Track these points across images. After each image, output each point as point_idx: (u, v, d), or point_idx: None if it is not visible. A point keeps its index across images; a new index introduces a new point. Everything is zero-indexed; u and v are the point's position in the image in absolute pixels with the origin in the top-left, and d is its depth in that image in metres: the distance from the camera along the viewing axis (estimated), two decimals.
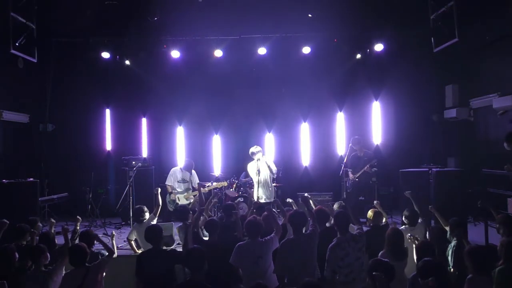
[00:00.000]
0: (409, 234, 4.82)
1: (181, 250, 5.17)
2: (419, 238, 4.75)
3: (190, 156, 9.53)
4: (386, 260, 3.86)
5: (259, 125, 10.36)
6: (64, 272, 4.41)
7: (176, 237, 6.36)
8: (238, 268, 4.51)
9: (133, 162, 8.84)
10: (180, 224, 5.83)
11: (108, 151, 10.45)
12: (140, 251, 6.04)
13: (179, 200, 8.11)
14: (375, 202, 6.14)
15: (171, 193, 8.12)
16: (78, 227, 5.69)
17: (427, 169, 7.79)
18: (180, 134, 10.53)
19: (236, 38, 9.51)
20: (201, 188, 8.03)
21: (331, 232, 4.66)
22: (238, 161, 9.60)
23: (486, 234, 5.46)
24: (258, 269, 4.43)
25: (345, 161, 8.34)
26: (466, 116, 9.12)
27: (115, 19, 9.22)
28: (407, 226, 5.40)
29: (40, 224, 5.91)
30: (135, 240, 6.16)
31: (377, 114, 10.34)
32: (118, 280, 5.49)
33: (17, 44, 8.31)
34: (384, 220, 5.74)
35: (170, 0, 8.86)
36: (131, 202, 7.83)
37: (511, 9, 7.13)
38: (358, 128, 9.90)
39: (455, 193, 6.69)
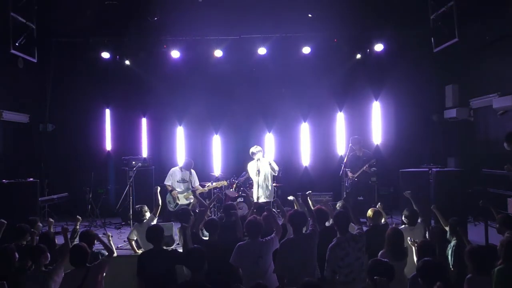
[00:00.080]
0: (410, 238, 4.83)
1: (181, 250, 5.17)
2: (418, 240, 4.76)
3: (190, 156, 9.52)
4: (386, 260, 3.87)
5: (259, 125, 10.36)
6: (63, 272, 4.41)
7: (176, 237, 6.36)
8: (238, 268, 4.52)
9: (133, 162, 8.85)
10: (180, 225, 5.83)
11: (108, 151, 10.45)
12: (140, 251, 6.04)
13: (179, 200, 8.11)
14: (378, 204, 6.13)
15: (171, 191, 8.12)
16: (78, 227, 5.69)
17: (427, 169, 7.80)
18: (180, 134, 10.53)
19: (236, 38, 9.51)
20: (200, 188, 8.07)
21: (331, 232, 4.66)
22: (238, 161, 9.61)
23: (486, 234, 5.46)
24: (258, 269, 4.43)
25: (345, 161, 8.34)
26: (466, 116, 9.12)
27: (115, 19, 9.22)
28: (407, 226, 5.40)
29: (40, 224, 5.91)
30: (136, 240, 6.16)
31: (377, 114, 10.34)
32: (118, 280, 5.49)
33: (17, 44, 8.30)
34: (383, 220, 5.74)
35: (170, 0, 8.86)
36: (131, 202, 7.83)
37: (511, 9, 7.13)
38: (358, 128, 9.90)
39: (455, 193, 6.68)
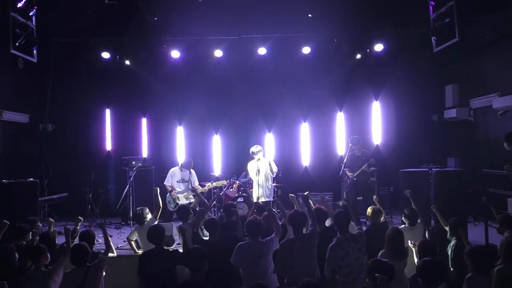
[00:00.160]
0: (410, 241, 4.83)
1: (181, 250, 5.17)
2: (418, 239, 4.76)
3: (190, 156, 9.52)
4: (385, 260, 3.87)
5: (259, 125, 10.37)
6: (63, 272, 4.41)
7: (176, 237, 6.36)
8: (238, 268, 4.52)
9: (133, 162, 8.85)
10: (180, 223, 5.83)
11: (108, 151, 10.45)
12: (140, 251, 6.04)
13: (179, 200, 8.11)
14: (374, 197, 6.18)
15: (171, 191, 8.12)
16: (78, 227, 5.70)
17: (427, 169, 7.80)
18: (180, 134, 10.54)
19: (236, 38, 9.52)
20: (200, 188, 8.07)
21: (331, 232, 4.66)
22: (238, 161, 9.61)
23: (486, 234, 5.47)
24: (259, 269, 4.43)
25: (345, 161, 8.35)
26: (466, 116, 9.12)
27: (115, 19, 9.21)
28: (407, 225, 5.41)
29: (40, 224, 5.91)
30: (135, 241, 6.15)
31: (377, 114, 10.35)
32: (118, 280, 5.49)
33: (17, 44, 8.29)
34: (382, 217, 5.74)
35: (170, 0, 8.86)
36: (131, 202, 7.83)
37: (511, 9, 7.13)
38: (358, 128, 9.90)
39: (455, 193, 6.68)
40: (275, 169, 7.88)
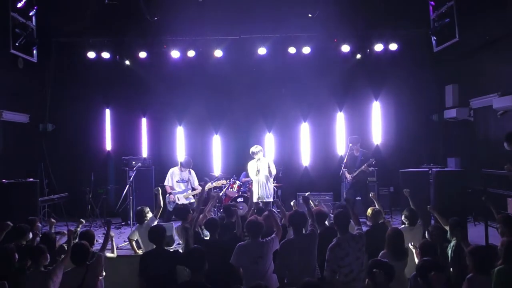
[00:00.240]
0: (411, 243, 4.83)
1: (181, 250, 5.17)
2: (418, 240, 4.77)
3: (190, 156, 9.53)
4: (385, 260, 3.87)
5: (259, 125, 10.36)
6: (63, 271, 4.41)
7: (176, 237, 6.36)
8: (238, 268, 4.52)
9: (133, 162, 8.85)
10: (179, 223, 5.83)
11: (108, 151, 10.45)
12: (140, 251, 6.05)
13: (178, 200, 8.11)
14: (371, 194, 6.19)
15: (170, 193, 8.12)
16: (79, 228, 5.70)
17: (427, 169, 7.80)
18: (180, 134, 10.53)
19: (236, 38, 9.52)
20: (200, 188, 8.06)
21: (331, 232, 4.66)
22: (238, 161, 9.61)
23: (486, 234, 5.46)
24: (259, 269, 4.43)
25: (345, 161, 8.35)
26: (466, 116, 9.12)
27: (115, 19, 9.22)
28: (407, 226, 5.41)
29: (39, 224, 5.91)
30: (136, 241, 6.16)
31: (377, 114, 10.35)
32: (118, 280, 5.50)
33: (17, 44, 8.29)
34: (382, 216, 5.74)
35: (170, 0, 8.86)
36: (131, 202, 7.82)
37: (511, 9, 7.13)
38: (358, 128, 9.91)
39: (455, 193, 6.68)
40: (273, 171, 7.90)
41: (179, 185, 8.21)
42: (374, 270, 3.35)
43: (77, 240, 5.12)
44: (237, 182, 8.99)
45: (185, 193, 8.17)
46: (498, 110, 7.83)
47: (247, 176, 8.73)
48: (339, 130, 10.42)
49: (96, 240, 5.38)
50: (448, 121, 9.76)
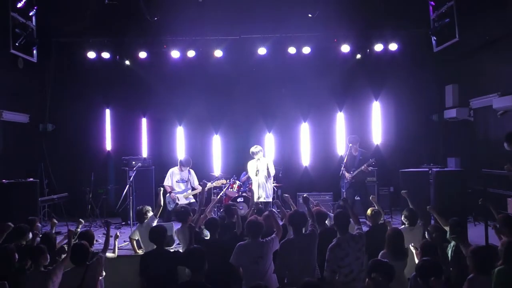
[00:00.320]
0: (411, 244, 4.83)
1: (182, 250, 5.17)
2: (418, 240, 4.76)
3: (190, 156, 9.54)
4: (385, 260, 3.87)
5: (259, 125, 10.36)
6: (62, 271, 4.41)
7: (176, 237, 6.36)
8: (238, 268, 4.52)
9: (133, 162, 8.85)
10: (179, 225, 5.83)
11: (108, 151, 10.45)
12: (140, 251, 6.05)
13: (178, 200, 8.12)
14: (371, 197, 6.18)
15: (170, 192, 8.12)
16: (79, 229, 5.70)
17: (427, 169, 7.80)
18: (180, 134, 10.53)
19: (236, 38, 9.52)
20: (200, 188, 8.06)
21: (331, 232, 4.67)
22: (238, 161, 9.60)
23: (486, 234, 5.46)
24: (259, 269, 4.43)
25: (345, 161, 8.35)
26: (466, 116, 9.12)
27: (115, 19, 9.22)
28: (407, 226, 5.41)
29: (39, 224, 5.90)
30: (137, 240, 6.16)
31: (377, 114, 10.34)
32: (118, 280, 5.50)
33: (17, 44, 8.29)
34: (381, 217, 5.74)
35: (170, 0, 8.86)
36: (131, 202, 7.82)
37: (511, 9, 7.13)
38: (358, 128, 9.90)
39: (455, 193, 6.68)
40: (272, 172, 7.92)
41: (179, 185, 8.21)
42: (372, 275, 3.36)
43: (76, 241, 5.13)
44: (237, 182, 8.99)
45: (185, 193, 8.17)
46: (498, 110, 7.83)
47: (246, 175, 8.74)
48: (339, 130, 10.41)
49: (96, 240, 5.39)
50: (448, 121, 9.77)
